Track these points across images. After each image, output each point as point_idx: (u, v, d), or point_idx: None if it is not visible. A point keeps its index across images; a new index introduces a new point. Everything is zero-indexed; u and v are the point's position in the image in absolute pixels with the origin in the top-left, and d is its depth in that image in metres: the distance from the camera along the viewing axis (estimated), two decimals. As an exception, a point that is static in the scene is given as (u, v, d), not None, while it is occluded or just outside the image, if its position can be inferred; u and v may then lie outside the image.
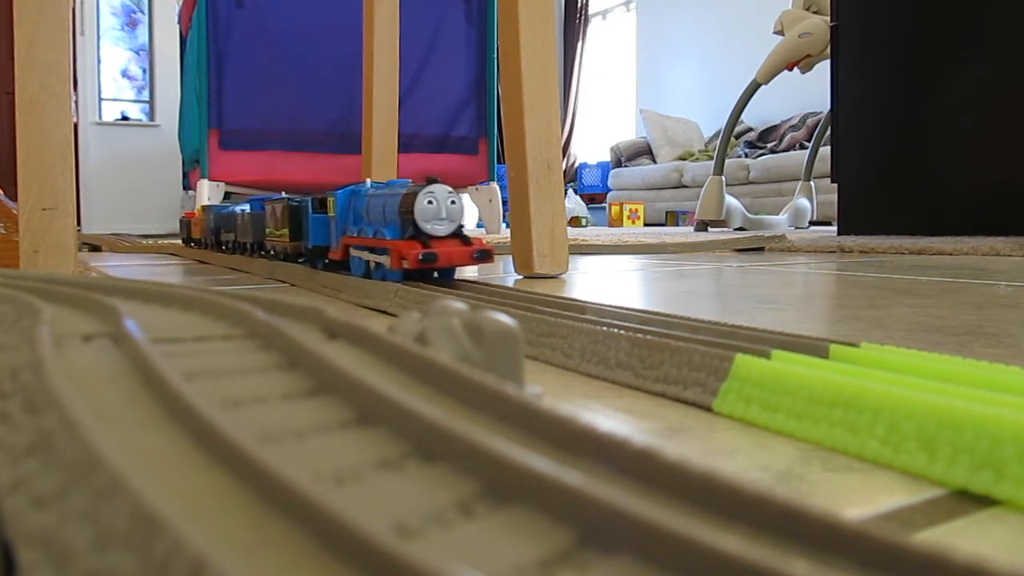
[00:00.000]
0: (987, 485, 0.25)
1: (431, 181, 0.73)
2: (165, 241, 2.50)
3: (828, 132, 2.98)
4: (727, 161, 3.59)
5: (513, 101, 1.12)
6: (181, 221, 2.06)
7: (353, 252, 0.84)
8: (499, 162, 3.52)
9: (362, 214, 0.83)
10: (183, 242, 2.03)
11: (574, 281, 1.04)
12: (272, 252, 1.20)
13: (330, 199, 0.90)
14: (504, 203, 3.53)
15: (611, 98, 4.43)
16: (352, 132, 2.40)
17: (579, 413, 0.16)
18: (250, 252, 1.32)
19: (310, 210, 0.93)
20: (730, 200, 3.32)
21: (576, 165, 6.66)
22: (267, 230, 1.18)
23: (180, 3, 3.55)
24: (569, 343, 0.47)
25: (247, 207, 1.35)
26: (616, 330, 0.45)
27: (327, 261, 0.95)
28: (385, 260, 0.75)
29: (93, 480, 0.15)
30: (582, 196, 6.14)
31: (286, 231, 1.06)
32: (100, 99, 4.27)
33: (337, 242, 0.89)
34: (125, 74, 4.37)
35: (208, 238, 1.69)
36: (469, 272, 1.21)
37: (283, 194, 1.17)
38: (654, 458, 0.15)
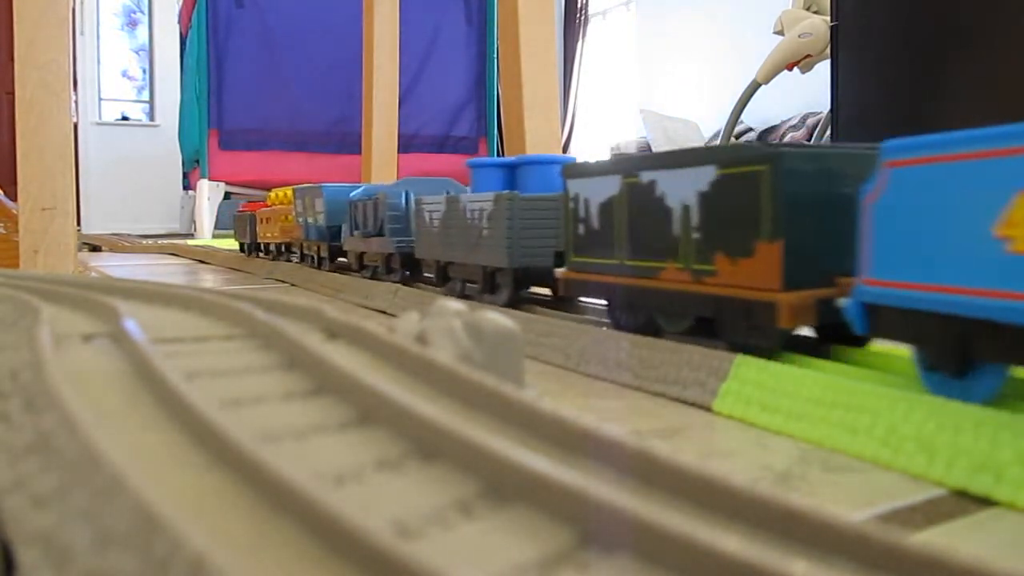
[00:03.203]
0: (987, 487, 0.25)
1: None
2: (165, 241, 2.50)
3: (828, 132, 2.98)
4: (727, 161, 3.58)
5: (513, 101, 1.12)
6: (236, 217, 1.44)
7: None
8: (499, 162, 3.52)
9: None
10: (241, 249, 1.43)
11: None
12: (620, 314, 0.48)
13: None
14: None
15: (611, 98, 4.43)
16: (352, 132, 2.40)
17: (579, 413, 0.16)
18: (484, 291, 0.63)
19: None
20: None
21: (576, 165, 6.63)
22: (579, 245, 0.51)
23: (180, 3, 3.54)
24: (569, 343, 0.47)
25: (465, 187, 0.70)
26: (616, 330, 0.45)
27: None
28: None
29: (93, 480, 0.15)
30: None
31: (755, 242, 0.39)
32: (100, 99, 4.27)
33: None
34: (125, 74, 4.37)
35: (310, 245, 1.03)
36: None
37: (618, 145, 0.54)
38: (653, 458, 0.15)
